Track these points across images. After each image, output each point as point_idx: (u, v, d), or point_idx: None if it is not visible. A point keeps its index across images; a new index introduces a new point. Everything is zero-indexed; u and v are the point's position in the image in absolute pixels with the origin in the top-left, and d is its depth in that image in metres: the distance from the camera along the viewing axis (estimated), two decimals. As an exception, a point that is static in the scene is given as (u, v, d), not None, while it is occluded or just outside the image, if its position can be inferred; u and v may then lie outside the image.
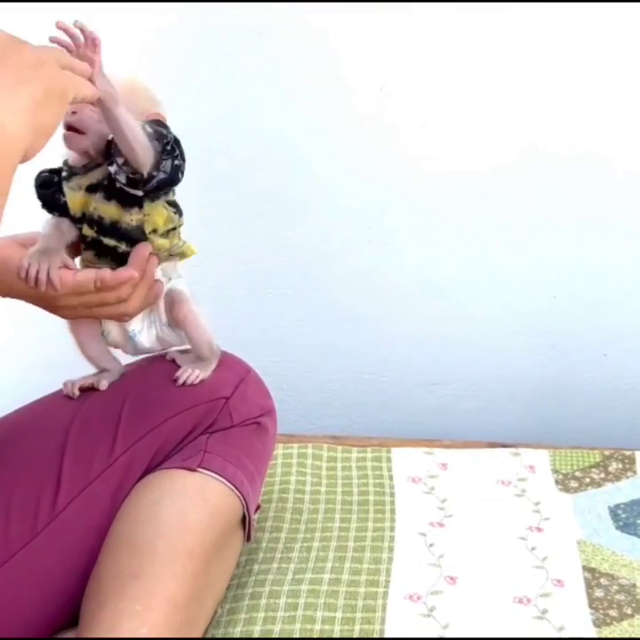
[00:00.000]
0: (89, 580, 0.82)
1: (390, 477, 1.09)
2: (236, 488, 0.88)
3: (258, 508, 0.98)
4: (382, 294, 1.33)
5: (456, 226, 1.28)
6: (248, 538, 0.92)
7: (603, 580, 0.91)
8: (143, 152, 0.78)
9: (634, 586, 0.90)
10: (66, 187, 0.82)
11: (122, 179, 0.79)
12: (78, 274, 0.82)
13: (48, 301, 0.83)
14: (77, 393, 0.90)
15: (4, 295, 0.85)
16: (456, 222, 1.28)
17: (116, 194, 0.81)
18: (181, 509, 0.86)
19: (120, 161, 0.79)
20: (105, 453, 0.87)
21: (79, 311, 0.85)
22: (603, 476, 1.09)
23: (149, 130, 0.79)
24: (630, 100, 1.22)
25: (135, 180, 0.79)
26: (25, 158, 0.65)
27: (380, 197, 1.29)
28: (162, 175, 0.80)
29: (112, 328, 0.89)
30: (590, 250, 1.27)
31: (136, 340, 0.89)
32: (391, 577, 0.91)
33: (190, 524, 0.85)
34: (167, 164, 0.80)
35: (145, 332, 0.89)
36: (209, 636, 0.85)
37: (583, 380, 1.29)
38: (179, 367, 0.92)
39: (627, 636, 0.83)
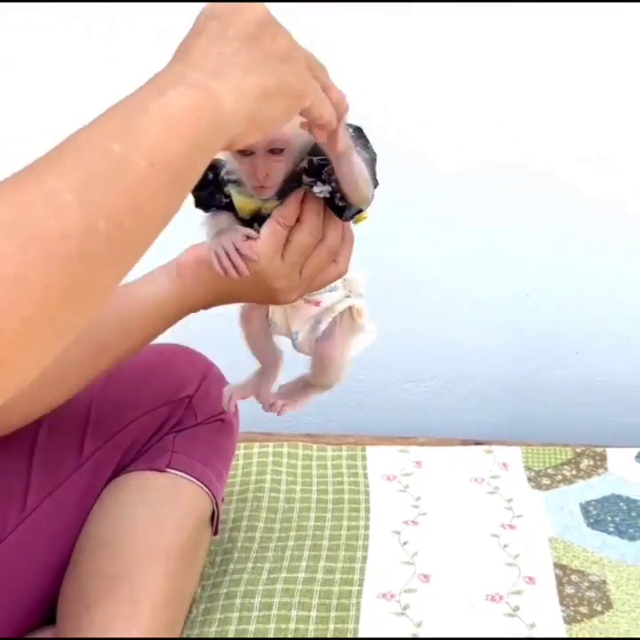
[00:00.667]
0: (67, 580, 0.83)
1: (365, 476, 1.10)
2: (205, 485, 0.90)
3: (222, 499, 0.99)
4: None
5: (434, 224, 1.29)
6: (215, 531, 0.93)
7: (574, 577, 0.92)
8: (367, 193, 0.71)
9: (604, 582, 0.91)
10: (234, 191, 0.74)
11: (324, 196, 0.72)
12: (262, 232, 0.73)
13: (262, 289, 0.74)
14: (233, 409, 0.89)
15: (227, 302, 0.78)
16: (435, 221, 1.29)
17: None
18: (154, 510, 0.87)
19: (330, 188, 0.71)
20: (73, 456, 0.87)
21: (296, 287, 0.75)
22: (574, 472, 1.11)
23: (366, 156, 0.71)
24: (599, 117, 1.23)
25: (338, 206, 0.72)
26: (230, 146, 0.58)
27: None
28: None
29: (279, 320, 0.81)
30: (564, 250, 1.29)
31: (296, 342, 0.81)
32: (365, 576, 0.92)
33: (164, 523, 0.86)
34: None
35: (305, 335, 0.81)
36: (185, 636, 0.85)
37: (556, 378, 1.30)
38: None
39: (597, 632, 0.85)
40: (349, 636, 0.83)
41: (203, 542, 0.91)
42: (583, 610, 0.87)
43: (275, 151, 0.70)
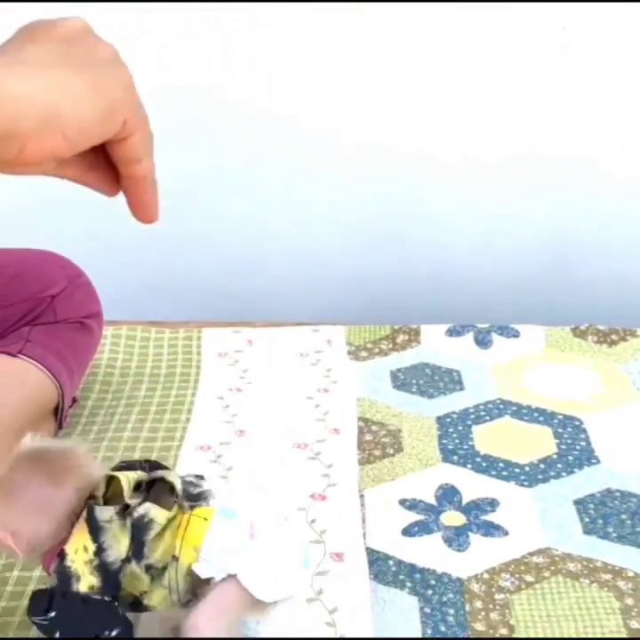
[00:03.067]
0: None
1: (198, 353, 1.19)
2: (54, 376, 0.96)
3: (74, 401, 1.05)
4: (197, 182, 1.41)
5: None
6: (60, 425, 0.99)
7: (373, 428, 1.04)
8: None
9: (399, 431, 1.03)
10: None
11: None
12: None
13: None
14: None
15: None
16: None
17: None
18: None
19: None
20: None
21: None
22: (390, 346, 1.22)
23: None
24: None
25: None
26: (24, 150, 0.49)
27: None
28: None
29: None
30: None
31: None
32: (186, 433, 1.02)
33: (5, 402, 0.92)
34: None
35: None
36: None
37: (382, 268, 1.41)
38: None
39: (385, 470, 0.96)
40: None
41: (42, 429, 0.96)
42: (377, 453, 0.99)
43: None
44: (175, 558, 0.63)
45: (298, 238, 1.40)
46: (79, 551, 0.62)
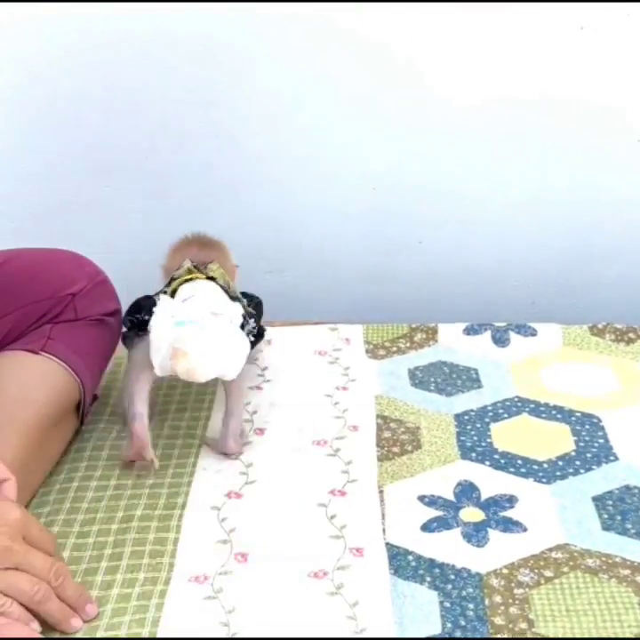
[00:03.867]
0: None
1: (218, 352, 1.21)
2: (76, 373, 0.97)
3: (95, 398, 1.06)
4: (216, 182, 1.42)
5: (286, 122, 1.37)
6: (81, 422, 1.00)
7: (392, 425, 1.04)
8: None
9: (418, 428, 1.04)
10: None
11: None
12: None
13: None
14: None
15: None
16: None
17: None
18: (22, 386, 0.94)
19: None
20: None
21: None
22: (408, 345, 1.23)
23: None
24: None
25: None
26: None
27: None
28: None
29: None
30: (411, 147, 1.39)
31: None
32: (207, 430, 1.03)
33: (29, 399, 0.93)
34: None
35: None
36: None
37: (399, 266, 1.41)
38: None
39: (405, 467, 0.97)
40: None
41: (65, 427, 0.98)
42: (395, 449, 1.00)
43: None
44: None
45: (316, 238, 1.41)
46: None
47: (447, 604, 0.78)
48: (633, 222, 1.40)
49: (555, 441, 1.00)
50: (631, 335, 1.23)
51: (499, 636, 0.74)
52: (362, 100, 1.34)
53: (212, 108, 1.35)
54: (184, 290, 0.98)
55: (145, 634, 0.74)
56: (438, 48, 1.32)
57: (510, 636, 0.74)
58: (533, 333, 1.24)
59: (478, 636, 0.74)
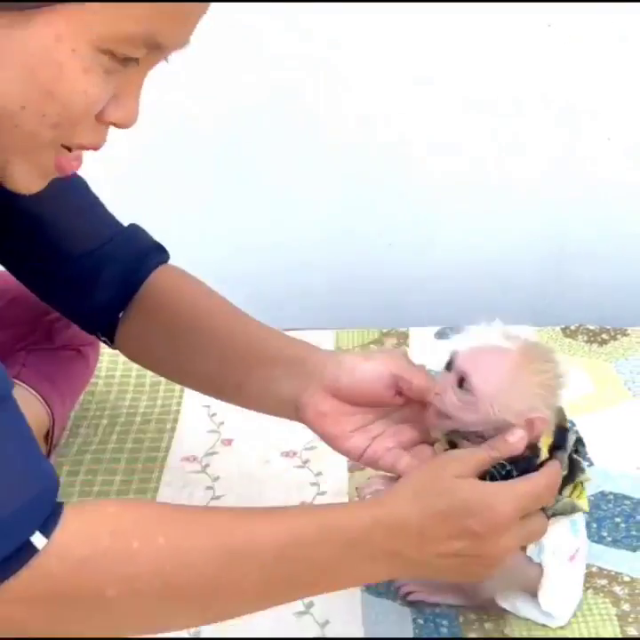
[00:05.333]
0: None
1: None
2: (48, 404, 0.94)
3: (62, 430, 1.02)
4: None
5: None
6: (49, 453, 0.96)
7: (363, 434, 1.02)
8: None
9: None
10: None
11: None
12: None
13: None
14: None
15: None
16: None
17: None
18: None
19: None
20: None
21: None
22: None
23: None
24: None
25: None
26: None
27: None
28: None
29: None
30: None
31: None
32: (172, 443, 0.99)
33: None
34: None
35: None
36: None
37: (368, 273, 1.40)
38: None
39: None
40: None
41: None
42: (366, 459, 0.98)
43: (462, 385, 0.68)
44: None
45: (284, 242, 1.38)
46: (545, 450, 0.69)
47: (420, 621, 0.75)
48: (604, 224, 1.39)
49: (529, 446, 0.99)
50: (604, 336, 1.22)
51: (474, 651, 0.72)
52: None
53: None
54: None
55: None
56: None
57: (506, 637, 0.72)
58: (506, 336, 1.22)
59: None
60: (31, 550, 0.55)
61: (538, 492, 0.67)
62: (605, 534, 0.84)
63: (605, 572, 0.79)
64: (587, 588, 0.77)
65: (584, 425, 1.00)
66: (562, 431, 0.71)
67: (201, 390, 0.86)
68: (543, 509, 0.69)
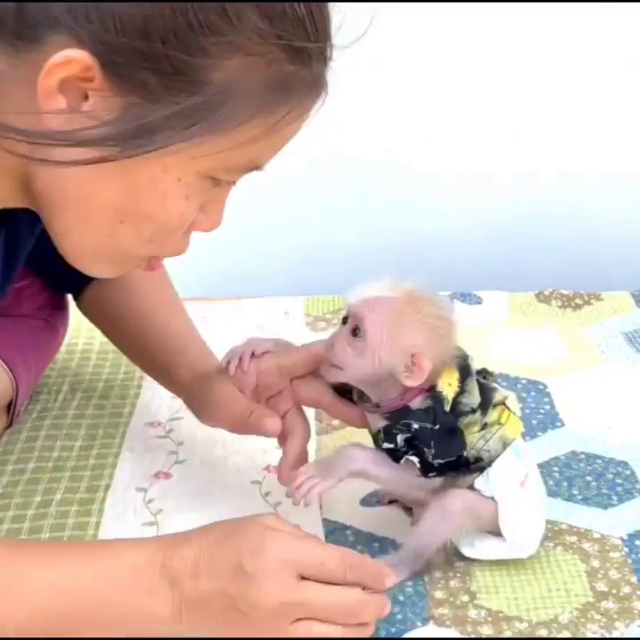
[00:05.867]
0: None
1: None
2: (11, 371, 0.91)
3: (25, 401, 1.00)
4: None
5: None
6: (10, 423, 0.93)
7: (331, 398, 1.00)
8: None
9: (358, 401, 1.00)
10: None
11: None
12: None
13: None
14: None
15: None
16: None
17: None
18: None
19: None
20: None
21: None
22: (350, 316, 1.19)
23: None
24: None
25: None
26: None
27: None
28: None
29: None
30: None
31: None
32: (135, 409, 0.96)
33: None
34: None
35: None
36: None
37: (344, 238, 1.37)
38: None
39: (344, 441, 0.93)
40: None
41: None
42: (335, 422, 0.94)
43: (354, 333, 0.71)
44: (501, 424, 0.72)
45: (255, 208, 1.36)
46: (448, 386, 0.71)
47: (385, 580, 0.74)
48: (577, 188, 1.38)
49: (500, 409, 0.97)
50: (578, 301, 1.20)
51: (440, 609, 0.70)
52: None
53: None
54: None
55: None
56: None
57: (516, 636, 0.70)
58: (479, 301, 1.20)
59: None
60: None
61: (324, 560, 0.63)
62: (576, 492, 0.82)
63: (575, 529, 0.78)
64: (556, 545, 0.76)
65: (557, 387, 1.00)
66: (464, 366, 0.72)
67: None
68: (477, 460, 0.70)
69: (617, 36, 1.31)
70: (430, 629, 0.68)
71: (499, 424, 0.72)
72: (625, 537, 0.77)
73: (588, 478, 0.84)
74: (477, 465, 0.71)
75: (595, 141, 1.37)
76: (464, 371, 0.72)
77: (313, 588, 0.63)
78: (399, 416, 0.70)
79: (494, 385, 0.75)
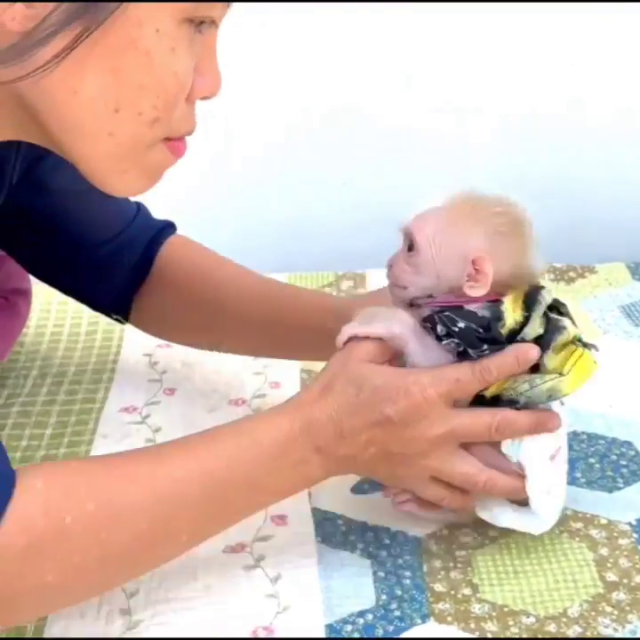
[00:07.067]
0: None
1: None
2: None
3: None
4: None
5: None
6: None
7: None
8: None
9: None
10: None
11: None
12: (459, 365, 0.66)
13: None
14: None
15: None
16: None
17: None
18: None
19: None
20: None
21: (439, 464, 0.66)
22: (335, 294, 1.13)
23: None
24: None
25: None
26: None
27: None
28: None
29: None
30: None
31: None
32: (109, 394, 0.91)
33: None
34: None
35: None
36: None
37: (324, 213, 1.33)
38: None
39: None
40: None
41: None
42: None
43: (409, 249, 0.66)
44: (561, 375, 0.65)
45: (238, 185, 1.30)
46: (512, 309, 0.65)
47: (381, 574, 0.68)
48: (570, 160, 1.34)
49: (495, 388, 0.93)
50: (571, 274, 1.15)
51: (441, 604, 0.65)
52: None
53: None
54: None
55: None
56: None
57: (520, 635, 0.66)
58: (468, 276, 1.16)
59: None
60: None
61: (464, 377, 0.63)
62: (579, 476, 0.78)
63: (580, 514, 0.73)
64: (561, 532, 0.71)
65: (553, 364, 0.96)
66: (533, 293, 0.66)
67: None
68: (512, 402, 0.65)
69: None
70: (431, 627, 0.63)
71: (558, 374, 0.65)
72: (633, 522, 0.72)
73: (591, 460, 0.80)
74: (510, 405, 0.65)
75: (584, 108, 1.33)
76: (532, 297, 0.65)
77: (473, 413, 0.64)
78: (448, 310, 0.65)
79: (564, 323, 0.66)
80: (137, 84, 0.55)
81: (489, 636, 0.63)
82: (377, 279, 1.16)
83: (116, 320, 0.90)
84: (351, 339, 0.66)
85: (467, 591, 0.66)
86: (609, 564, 0.68)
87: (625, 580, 0.67)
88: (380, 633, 0.63)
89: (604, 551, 0.69)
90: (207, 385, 0.93)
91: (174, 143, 0.61)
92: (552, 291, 0.68)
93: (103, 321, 1.03)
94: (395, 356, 0.66)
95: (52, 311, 1.05)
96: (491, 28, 1.29)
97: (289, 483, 0.65)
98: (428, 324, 0.64)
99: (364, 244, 1.31)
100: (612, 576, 0.67)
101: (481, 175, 1.32)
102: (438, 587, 0.67)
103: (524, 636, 0.62)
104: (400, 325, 0.65)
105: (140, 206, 0.88)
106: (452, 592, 0.66)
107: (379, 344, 0.65)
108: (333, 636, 0.62)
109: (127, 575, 0.64)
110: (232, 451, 0.62)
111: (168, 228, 0.90)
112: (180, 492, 0.60)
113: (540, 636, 0.62)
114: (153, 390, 0.92)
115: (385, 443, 0.63)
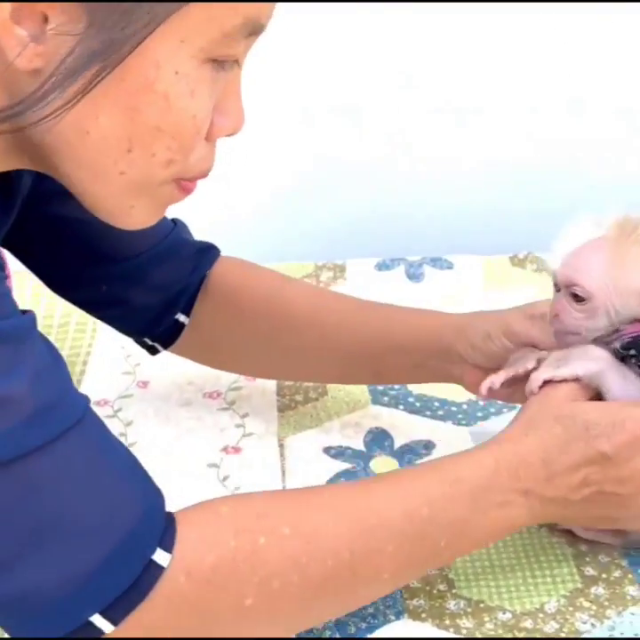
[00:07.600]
0: None
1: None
2: None
3: None
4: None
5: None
6: None
7: (295, 372, 0.94)
8: None
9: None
10: None
11: None
12: None
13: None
14: None
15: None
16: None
17: None
18: None
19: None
20: None
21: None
22: (315, 283, 1.11)
23: None
24: None
25: None
26: None
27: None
28: None
29: None
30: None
31: None
32: (80, 387, 0.89)
33: None
34: None
35: None
36: None
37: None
38: None
39: (308, 416, 0.86)
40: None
41: None
42: (299, 397, 0.88)
43: (577, 298, 0.64)
44: None
45: (219, 172, 1.28)
46: None
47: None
48: (551, 151, 1.32)
49: (475, 379, 0.91)
50: (554, 264, 1.15)
51: (415, 600, 0.64)
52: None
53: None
54: None
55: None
56: None
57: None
58: (450, 266, 1.14)
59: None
60: (156, 570, 0.51)
61: None
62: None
63: (559, 508, 0.72)
64: (540, 527, 0.70)
65: (534, 355, 0.94)
66: None
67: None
68: None
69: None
70: (405, 624, 0.62)
71: None
72: (613, 515, 0.72)
73: (571, 452, 0.79)
74: None
75: (564, 100, 1.32)
76: None
77: None
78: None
79: None
80: (153, 126, 0.52)
81: (464, 632, 0.61)
82: (358, 270, 1.13)
83: (149, 349, 0.82)
84: (545, 383, 0.63)
85: (442, 587, 0.65)
86: (588, 559, 0.67)
87: (604, 575, 0.65)
88: (352, 630, 0.61)
89: (582, 546, 0.68)
90: (182, 377, 0.91)
91: (186, 183, 0.58)
92: None
93: (77, 313, 1.00)
94: (593, 398, 0.64)
95: (25, 305, 1.03)
96: (491, 29, 1.27)
97: (492, 524, 0.60)
98: (630, 351, 0.63)
99: (345, 234, 1.30)
100: (590, 570, 0.66)
101: (481, 175, 1.32)
102: (413, 582, 0.65)
103: (500, 631, 0.61)
104: (596, 362, 0.63)
105: (176, 222, 0.82)
106: (428, 588, 0.65)
107: (578, 384, 0.63)
108: (303, 634, 0.61)
109: (329, 610, 0.59)
110: (434, 486, 0.58)
111: (210, 246, 0.83)
112: (383, 526, 0.56)
113: (516, 635, 0.61)
114: (125, 383, 0.90)
115: (600, 482, 0.59)
